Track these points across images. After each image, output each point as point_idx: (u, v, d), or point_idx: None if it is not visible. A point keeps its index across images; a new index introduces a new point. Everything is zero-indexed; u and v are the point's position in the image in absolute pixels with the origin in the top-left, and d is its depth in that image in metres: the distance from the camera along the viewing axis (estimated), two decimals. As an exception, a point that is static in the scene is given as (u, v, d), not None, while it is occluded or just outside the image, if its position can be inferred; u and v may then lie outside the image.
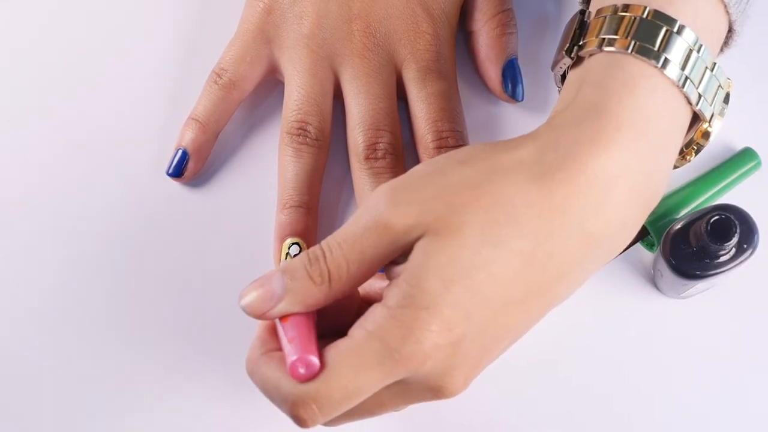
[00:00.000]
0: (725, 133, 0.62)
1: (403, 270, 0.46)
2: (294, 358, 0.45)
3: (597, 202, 0.46)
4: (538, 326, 0.60)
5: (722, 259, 0.54)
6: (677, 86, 0.48)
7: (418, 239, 0.46)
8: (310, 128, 0.60)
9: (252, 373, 0.48)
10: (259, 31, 0.61)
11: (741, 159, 0.61)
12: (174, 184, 0.63)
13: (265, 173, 0.62)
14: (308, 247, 0.59)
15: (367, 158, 0.59)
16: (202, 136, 0.61)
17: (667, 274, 0.56)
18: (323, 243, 0.47)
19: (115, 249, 0.62)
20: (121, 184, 0.63)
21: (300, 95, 0.60)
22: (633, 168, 0.47)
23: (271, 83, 0.63)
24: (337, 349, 0.46)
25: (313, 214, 0.60)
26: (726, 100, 0.52)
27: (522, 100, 0.62)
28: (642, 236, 0.60)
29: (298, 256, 0.48)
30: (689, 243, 0.55)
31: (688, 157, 0.53)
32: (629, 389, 0.59)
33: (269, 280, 0.48)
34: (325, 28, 0.60)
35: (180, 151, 0.61)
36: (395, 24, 0.60)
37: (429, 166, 0.48)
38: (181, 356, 0.60)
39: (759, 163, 0.61)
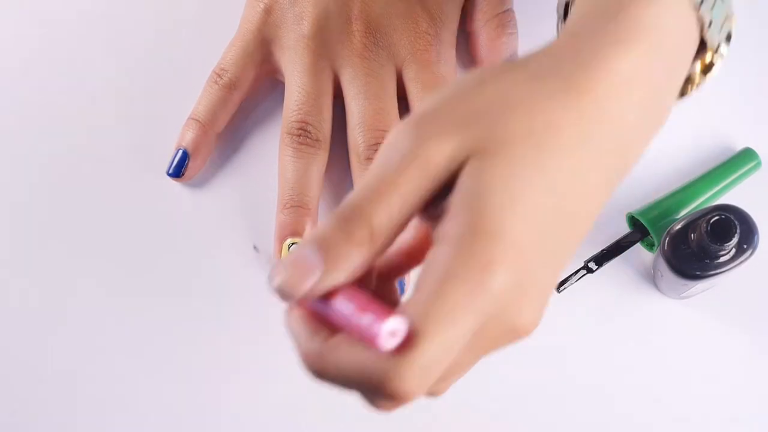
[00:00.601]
0: (725, 134, 0.62)
1: (452, 203, 0.40)
2: (379, 327, 0.38)
3: (620, 107, 0.43)
4: (539, 325, 0.60)
5: (722, 259, 0.54)
6: (694, 7, 0.45)
7: (462, 166, 0.41)
8: (310, 128, 0.60)
9: (322, 370, 0.41)
10: (259, 31, 0.61)
11: (741, 159, 0.61)
12: (174, 184, 0.63)
13: (266, 173, 0.62)
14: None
15: (367, 158, 0.59)
16: (203, 136, 0.61)
17: (667, 275, 0.56)
18: (353, 200, 0.41)
19: (115, 249, 0.62)
20: (121, 184, 0.63)
21: (300, 95, 0.60)
22: (645, 78, 0.44)
23: (271, 83, 0.63)
24: (415, 307, 0.39)
25: (314, 214, 0.60)
26: (728, 39, 0.50)
27: (521, 100, 0.62)
28: (642, 236, 0.60)
29: (326, 221, 0.41)
30: (689, 243, 0.55)
31: (689, 89, 0.50)
32: (629, 389, 0.59)
33: (302, 255, 0.40)
34: (325, 28, 0.60)
35: (180, 151, 0.61)
36: (395, 24, 0.60)
37: (444, 92, 0.43)
38: (180, 356, 0.60)
39: (759, 164, 0.61)
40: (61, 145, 0.64)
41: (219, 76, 0.61)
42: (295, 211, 0.59)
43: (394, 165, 0.41)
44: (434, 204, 0.42)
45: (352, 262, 0.40)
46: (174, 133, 0.62)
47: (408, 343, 0.38)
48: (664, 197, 0.60)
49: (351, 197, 0.41)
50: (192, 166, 0.61)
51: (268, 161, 0.62)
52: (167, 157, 0.62)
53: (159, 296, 0.61)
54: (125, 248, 0.62)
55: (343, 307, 0.40)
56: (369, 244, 0.40)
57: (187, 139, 0.61)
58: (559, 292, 0.59)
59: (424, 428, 0.59)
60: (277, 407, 0.60)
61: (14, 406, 0.60)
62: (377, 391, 0.40)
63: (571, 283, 0.59)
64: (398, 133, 0.41)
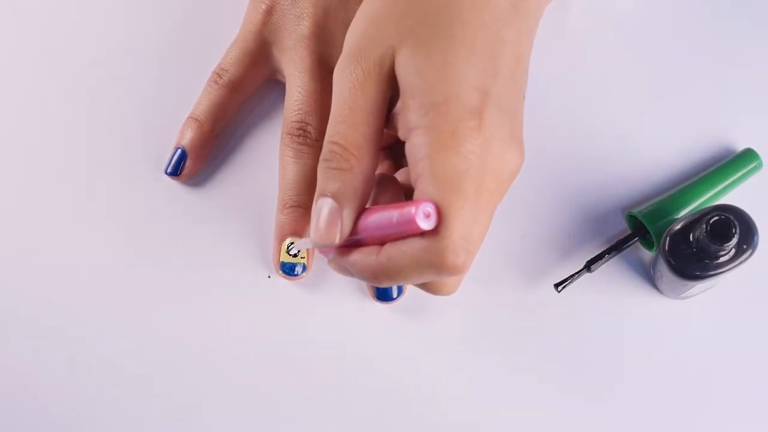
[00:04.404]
0: (726, 134, 0.62)
1: (402, 95, 0.46)
2: (413, 211, 0.43)
3: None
4: (539, 325, 0.60)
5: (722, 259, 0.54)
6: None
7: (393, 63, 0.47)
8: (310, 129, 0.60)
9: (389, 277, 0.46)
10: (260, 32, 0.61)
11: (742, 160, 0.61)
12: (174, 184, 0.62)
13: (266, 173, 0.62)
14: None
15: None
16: (201, 136, 0.61)
17: (666, 275, 0.56)
18: (327, 140, 0.47)
19: (114, 247, 0.62)
20: (121, 184, 0.63)
21: (300, 96, 0.60)
22: None
23: (272, 84, 0.63)
24: (428, 192, 0.44)
25: (312, 215, 0.60)
26: None
27: (522, 100, 0.62)
28: (642, 236, 0.60)
29: (319, 173, 0.47)
30: (689, 243, 0.54)
31: None
32: (629, 389, 0.59)
33: (317, 210, 0.47)
34: (324, 29, 0.60)
35: (178, 150, 0.61)
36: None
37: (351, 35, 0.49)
38: (179, 356, 0.60)
39: (760, 164, 0.61)
40: (61, 143, 0.64)
41: (219, 76, 0.61)
42: (295, 211, 0.59)
43: (345, 90, 0.47)
44: (391, 112, 0.48)
45: (357, 188, 0.46)
46: (174, 133, 0.62)
47: (440, 220, 0.44)
48: (665, 197, 0.60)
49: (326, 137, 0.47)
50: (190, 165, 0.61)
51: (268, 161, 0.62)
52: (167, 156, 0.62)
53: (157, 295, 0.61)
54: (124, 247, 0.62)
55: (374, 220, 0.46)
56: (357, 163, 0.46)
57: (186, 138, 0.61)
58: (559, 291, 0.59)
59: (427, 428, 0.59)
60: (276, 404, 0.60)
61: (12, 407, 0.61)
62: (439, 270, 0.44)
63: (571, 283, 0.59)
64: (339, 65, 0.48)
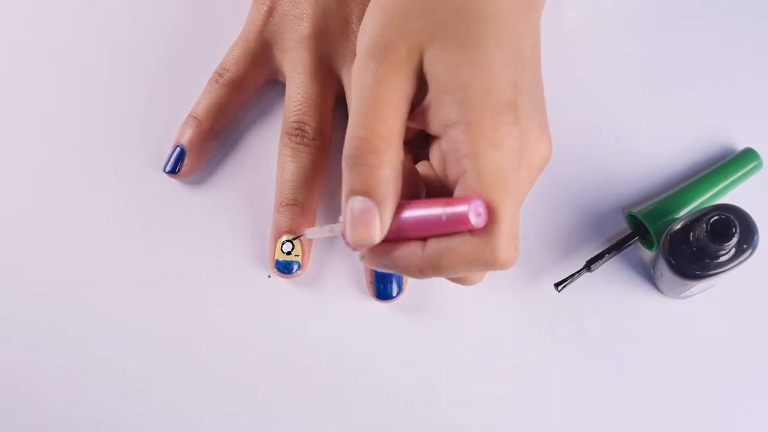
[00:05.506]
0: (726, 134, 0.62)
1: (434, 91, 0.46)
2: (467, 209, 0.44)
3: None
4: (539, 325, 0.60)
5: (722, 259, 0.54)
6: None
7: (422, 60, 0.47)
8: (307, 128, 0.60)
9: (436, 273, 0.46)
10: (261, 32, 0.62)
11: (742, 159, 0.61)
12: (173, 183, 0.63)
13: (265, 173, 0.62)
14: (301, 245, 0.59)
15: None
16: (200, 134, 0.61)
17: (667, 274, 0.56)
18: (353, 135, 0.46)
19: (113, 246, 0.62)
20: (121, 183, 0.63)
21: (299, 96, 0.60)
22: None
23: (272, 83, 0.63)
24: (474, 188, 0.45)
25: (309, 214, 0.60)
26: None
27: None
28: (642, 236, 0.60)
29: (345, 171, 0.46)
30: (689, 243, 0.54)
31: None
32: (629, 389, 0.59)
33: (352, 210, 0.46)
34: (324, 29, 0.60)
35: (177, 149, 0.62)
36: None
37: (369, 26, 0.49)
38: (179, 356, 0.60)
39: (760, 164, 0.61)
40: (61, 142, 0.64)
41: (220, 75, 0.62)
42: (291, 209, 0.59)
43: (369, 84, 0.46)
44: (417, 107, 0.48)
45: (388, 182, 0.45)
46: (176, 132, 0.62)
47: (491, 218, 0.44)
48: (665, 197, 0.60)
49: (349, 133, 0.46)
50: (189, 163, 0.62)
51: (268, 161, 0.62)
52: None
53: (157, 295, 0.61)
54: (123, 246, 0.62)
55: (415, 216, 0.46)
56: (385, 155, 0.45)
57: (185, 136, 0.61)
58: (559, 291, 0.59)
59: (428, 428, 0.59)
60: (276, 404, 0.60)
61: (13, 409, 0.61)
62: (491, 266, 0.45)
63: (571, 283, 0.59)
64: (360, 61, 0.47)
